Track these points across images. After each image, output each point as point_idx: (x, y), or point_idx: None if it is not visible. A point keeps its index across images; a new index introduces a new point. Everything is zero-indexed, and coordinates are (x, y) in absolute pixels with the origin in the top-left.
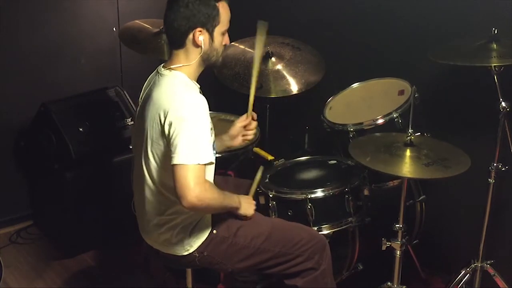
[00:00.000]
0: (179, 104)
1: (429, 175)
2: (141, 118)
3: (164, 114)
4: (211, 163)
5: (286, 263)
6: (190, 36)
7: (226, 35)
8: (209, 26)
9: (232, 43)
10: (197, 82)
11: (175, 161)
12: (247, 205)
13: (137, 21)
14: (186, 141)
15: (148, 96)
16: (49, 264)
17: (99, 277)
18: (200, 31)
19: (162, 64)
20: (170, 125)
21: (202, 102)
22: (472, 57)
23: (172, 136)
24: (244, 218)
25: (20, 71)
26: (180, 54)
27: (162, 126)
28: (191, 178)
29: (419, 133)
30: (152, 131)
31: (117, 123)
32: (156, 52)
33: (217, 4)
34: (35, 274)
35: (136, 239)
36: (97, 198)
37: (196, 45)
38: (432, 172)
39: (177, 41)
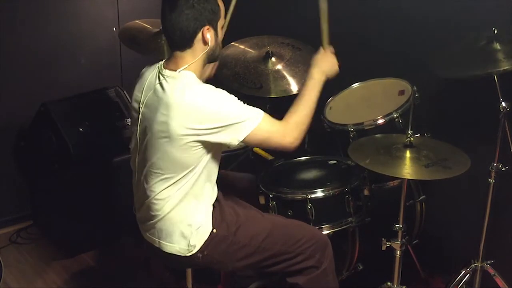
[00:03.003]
0: (201, 101)
1: (429, 177)
2: (147, 123)
3: (189, 117)
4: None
5: (287, 261)
6: (199, 35)
7: (221, 29)
8: (213, 22)
9: (232, 43)
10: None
11: (242, 136)
12: (330, 67)
13: (137, 21)
14: (231, 116)
15: (158, 102)
16: (49, 264)
17: (99, 277)
18: (208, 28)
19: (161, 64)
20: (205, 122)
21: (213, 87)
22: (473, 63)
23: (217, 126)
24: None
25: (20, 71)
26: (186, 55)
27: (194, 128)
28: (272, 133)
29: (419, 134)
30: (162, 136)
31: (117, 123)
32: (156, 52)
33: None
34: (35, 274)
35: (136, 239)
36: (97, 198)
37: (205, 42)
38: (432, 173)
39: (185, 43)
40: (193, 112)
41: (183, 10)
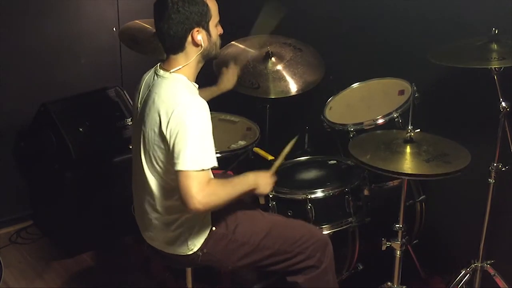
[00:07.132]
0: (182, 109)
1: (429, 171)
2: (141, 122)
3: (167, 117)
4: (214, 167)
5: (287, 261)
6: (189, 38)
7: (219, 25)
8: (204, 23)
9: (232, 42)
10: (196, 81)
11: (179, 167)
12: (264, 184)
13: (137, 21)
14: (190, 147)
15: (148, 99)
16: (49, 264)
17: (99, 277)
18: (198, 30)
19: (158, 65)
20: (172, 129)
21: (205, 106)
22: (472, 59)
23: (175, 141)
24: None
25: (20, 71)
26: (179, 58)
27: (163, 130)
28: (193, 185)
29: (419, 130)
30: (153, 135)
31: (117, 123)
32: (156, 52)
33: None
34: (35, 274)
35: (136, 239)
36: (97, 198)
37: (196, 44)
38: (432, 168)
39: (176, 47)
40: (166, 109)
41: (170, 16)
